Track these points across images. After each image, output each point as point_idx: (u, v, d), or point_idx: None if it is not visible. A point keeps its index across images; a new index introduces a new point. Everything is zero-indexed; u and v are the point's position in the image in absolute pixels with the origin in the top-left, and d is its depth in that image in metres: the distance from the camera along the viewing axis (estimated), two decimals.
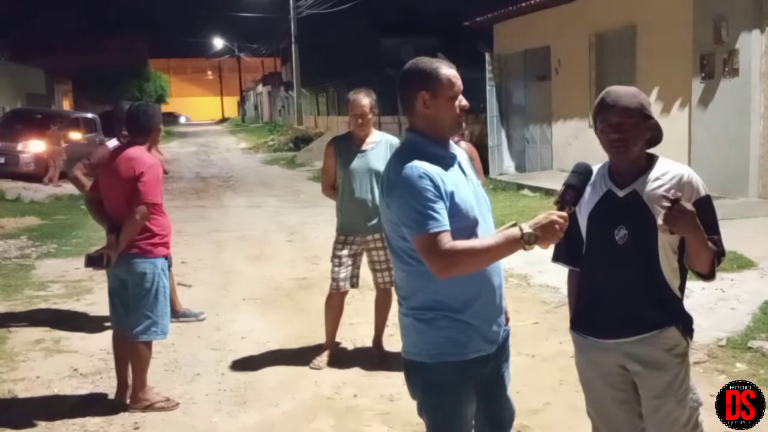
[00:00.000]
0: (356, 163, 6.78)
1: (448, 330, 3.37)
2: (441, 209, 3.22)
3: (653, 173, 3.55)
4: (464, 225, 3.30)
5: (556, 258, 3.95)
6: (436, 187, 3.23)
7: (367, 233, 6.83)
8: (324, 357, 7.05)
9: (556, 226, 3.14)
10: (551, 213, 3.18)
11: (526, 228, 3.14)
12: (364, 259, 7.03)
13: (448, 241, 3.18)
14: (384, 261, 6.86)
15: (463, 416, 3.53)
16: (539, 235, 3.14)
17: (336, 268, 6.95)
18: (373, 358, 7.09)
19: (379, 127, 30.52)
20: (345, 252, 6.91)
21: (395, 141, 6.82)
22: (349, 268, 6.95)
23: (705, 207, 3.51)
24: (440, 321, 3.37)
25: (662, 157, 3.63)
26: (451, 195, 3.29)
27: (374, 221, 6.74)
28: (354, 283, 7.06)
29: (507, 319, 3.70)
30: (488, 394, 3.64)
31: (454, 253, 3.18)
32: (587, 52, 17.62)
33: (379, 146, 6.80)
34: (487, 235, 3.38)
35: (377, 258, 6.91)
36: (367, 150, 6.80)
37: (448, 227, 3.21)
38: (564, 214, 3.20)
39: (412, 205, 3.22)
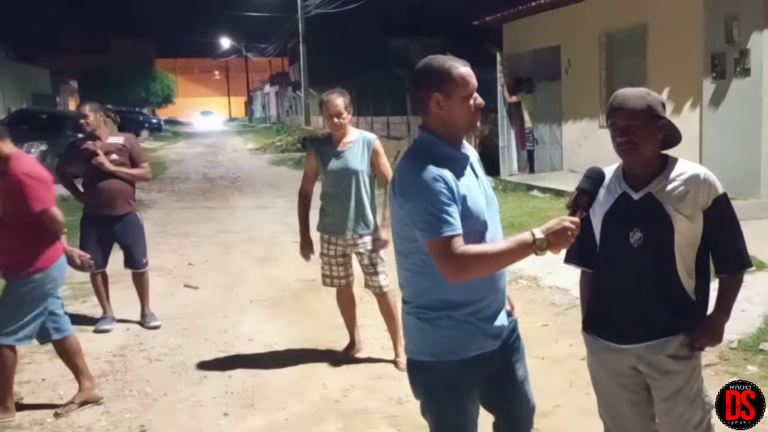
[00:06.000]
0: (334, 164, 6.77)
1: (450, 329, 3.38)
2: (454, 212, 3.20)
3: (668, 174, 3.54)
4: (474, 228, 3.30)
5: (569, 259, 3.97)
6: (450, 190, 3.22)
7: (347, 234, 6.82)
8: (349, 351, 7.23)
9: (569, 232, 3.12)
10: (563, 219, 3.16)
11: (539, 233, 3.13)
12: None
13: (460, 245, 3.17)
14: (369, 264, 6.87)
15: (467, 415, 3.52)
16: (551, 241, 3.12)
17: (326, 267, 7.05)
18: (382, 360, 7.08)
19: (387, 128, 30.58)
20: (332, 252, 6.97)
21: (371, 137, 6.90)
22: (341, 267, 7.01)
23: (723, 205, 3.55)
24: (442, 320, 3.38)
25: (678, 158, 3.60)
26: (464, 198, 3.27)
27: (353, 222, 6.79)
28: (349, 282, 7.14)
29: (512, 308, 3.70)
30: (501, 391, 3.64)
31: (467, 258, 3.17)
32: (597, 51, 17.53)
33: (356, 145, 6.80)
34: (499, 239, 3.37)
35: (362, 261, 6.91)
36: (344, 150, 6.78)
37: (461, 231, 3.19)
38: (576, 219, 3.18)
39: (425, 207, 3.20)
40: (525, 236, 3.18)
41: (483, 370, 3.49)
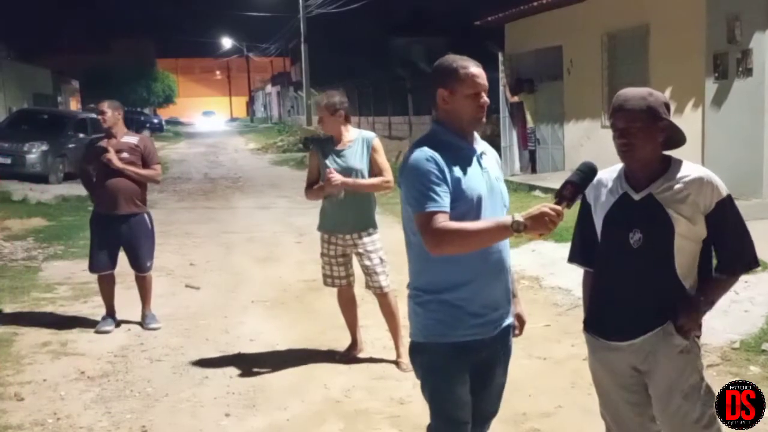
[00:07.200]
0: (334, 163, 6.79)
1: (438, 312, 3.60)
2: (442, 192, 3.44)
3: (670, 176, 3.53)
4: (467, 211, 3.50)
5: (572, 259, 4.03)
6: (441, 171, 3.47)
7: (346, 233, 6.83)
8: (350, 351, 7.24)
9: (546, 218, 3.24)
10: (544, 205, 3.27)
11: (518, 216, 3.30)
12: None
13: (442, 221, 3.40)
14: (369, 265, 6.86)
15: (458, 397, 3.68)
16: (528, 225, 3.27)
17: (326, 267, 7.06)
18: (383, 360, 7.09)
19: (389, 128, 30.55)
20: (332, 252, 6.98)
21: (370, 136, 6.97)
22: (341, 267, 7.01)
23: (727, 207, 3.53)
24: (432, 304, 3.62)
25: (682, 160, 3.59)
26: (457, 181, 3.50)
27: (352, 221, 6.80)
28: (350, 282, 7.14)
29: (520, 325, 3.94)
30: (478, 382, 3.76)
31: (444, 232, 3.38)
32: (599, 51, 17.48)
33: (356, 144, 6.84)
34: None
35: (362, 261, 6.90)
36: (344, 149, 6.82)
37: (445, 209, 3.43)
38: (557, 207, 3.26)
39: (415, 185, 3.47)
40: (504, 217, 3.39)
41: (473, 357, 3.67)
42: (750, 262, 3.62)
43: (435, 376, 3.68)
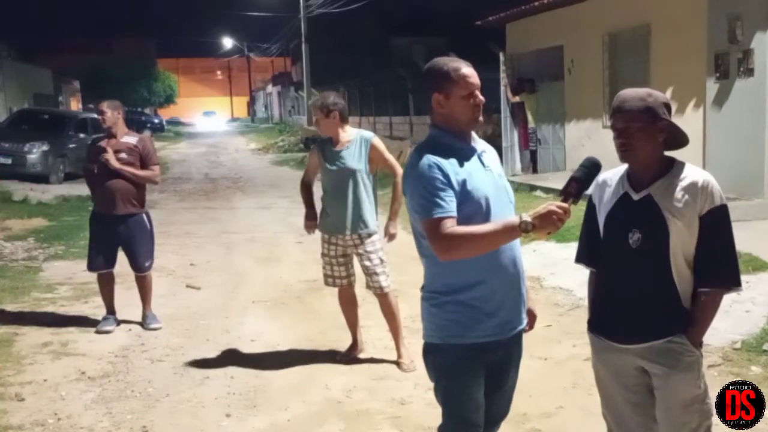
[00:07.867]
0: (333, 163, 6.83)
1: (454, 313, 3.60)
2: (448, 197, 3.44)
3: (671, 178, 3.53)
4: (475, 211, 3.51)
5: (579, 259, 4.04)
6: (446, 176, 3.46)
7: (346, 234, 6.83)
8: (351, 352, 7.23)
9: (554, 216, 3.26)
10: (551, 203, 3.30)
11: (525, 216, 3.30)
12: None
13: (450, 226, 3.40)
14: (369, 265, 6.86)
15: (473, 399, 3.69)
16: (536, 224, 3.28)
17: (327, 267, 7.08)
18: (384, 360, 7.07)
19: (390, 128, 30.51)
20: (332, 252, 6.99)
21: (368, 135, 6.97)
22: (342, 267, 7.02)
23: (717, 217, 3.50)
24: (449, 305, 3.61)
25: (685, 162, 3.58)
26: (463, 183, 3.50)
27: (352, 222, 6.80)
28: (351, 282, 7.14)
29: (530, 319, 3.95)
30: (491, 384, 3.77)
31: (453, 237, 3.39)
32: (600, 51, 17.45)
33: (354, 144, 6.85)
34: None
35: (362, 261, 6.91)
36: (342, 150, 6.83)
37: (452, 214, 3.42)
38: (564, 205, 3.29)
39: (420, 192, 3.47)
40: (512, 218, 3.40)
41: (487, 358, 3.67)
42: (731, 280, 3.58)
43: (449, 377, 3.68)
